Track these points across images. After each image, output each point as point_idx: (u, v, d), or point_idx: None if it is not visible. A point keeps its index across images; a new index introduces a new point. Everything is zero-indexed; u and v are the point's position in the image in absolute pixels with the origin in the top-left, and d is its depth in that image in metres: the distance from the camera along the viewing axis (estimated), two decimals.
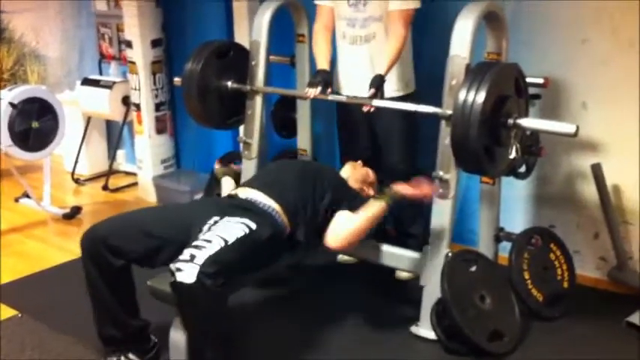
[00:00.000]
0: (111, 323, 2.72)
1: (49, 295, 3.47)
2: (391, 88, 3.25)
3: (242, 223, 2.57)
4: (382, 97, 3.05)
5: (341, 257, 3.62)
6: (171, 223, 2.68)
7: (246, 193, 2.86)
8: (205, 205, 2.93)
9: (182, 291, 2.33)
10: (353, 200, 2.90)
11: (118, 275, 2.63)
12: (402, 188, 2.83)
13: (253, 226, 2.58)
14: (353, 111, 3.37)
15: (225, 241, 2.44)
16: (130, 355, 2.75)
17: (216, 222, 2.57)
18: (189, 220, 2.64)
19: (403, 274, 3.45)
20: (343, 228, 2.78)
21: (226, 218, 2.59)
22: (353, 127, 3.50)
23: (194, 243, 2.41)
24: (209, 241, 2.42)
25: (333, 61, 3.39)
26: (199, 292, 2.30)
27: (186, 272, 2.29)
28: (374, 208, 2.80)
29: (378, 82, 3.03)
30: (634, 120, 3.21)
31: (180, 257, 2.35)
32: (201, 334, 2.49)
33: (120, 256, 2.59)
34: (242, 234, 2.52)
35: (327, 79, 3.19)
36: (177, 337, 2.60)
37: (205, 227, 2.53)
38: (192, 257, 2.33)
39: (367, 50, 3.25)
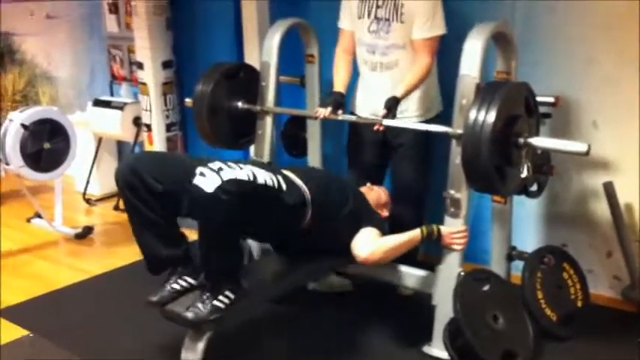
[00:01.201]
0: (162, 243, 2.69)
1: (61, 316, 3.48)
2: (412, 111, 3.26)
3: (275, 178, 2.61)
4: (394, 118, 3.05)
5: (314, 284, 3.54)
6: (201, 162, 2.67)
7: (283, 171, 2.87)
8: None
9: (197, 195, 2.35)
10: (372, 217, 2.93)
11: (160, 199, 2.61)
12: (446, 236, 2.88)
13: (284, 187, 2.63)
14: (365, 132, 3.38)
15: (255, 177, 2.46)
16: (187, 278, 2.70)
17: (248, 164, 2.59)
18: None
19: (407, 291, 3.43)
20: (376, 243, 2.81)
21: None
22: (364, 148, 3.49)
23: (228, 162, 2.45)
24: (241, 168, 2.45)
25: (352, 84, 3.40)
26: (214, 202, 2.33)
27: (208, 179, 2.34)
28: (412, 235, 2.86)
29: (391, 103, 3.02)
30: None
31: (209, 164, 2.39)
32: (209, 240, 2.51)
33: (160, 181, 2.59)
34: (271, 184, 2.55)
35: (339, 100, 3.20)
36: (189, 356, 2.60)
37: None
38: (220, 170, 2.37)
39: (389, 78, 3.22)
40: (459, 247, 2.89)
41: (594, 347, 3.05)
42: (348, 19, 3.32)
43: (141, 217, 2.64)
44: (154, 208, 2.62)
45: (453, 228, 2.89)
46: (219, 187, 2.32)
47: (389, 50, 3.19)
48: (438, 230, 2.88)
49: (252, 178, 2.45)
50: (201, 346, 2.59)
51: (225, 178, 2.35)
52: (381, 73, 3.25)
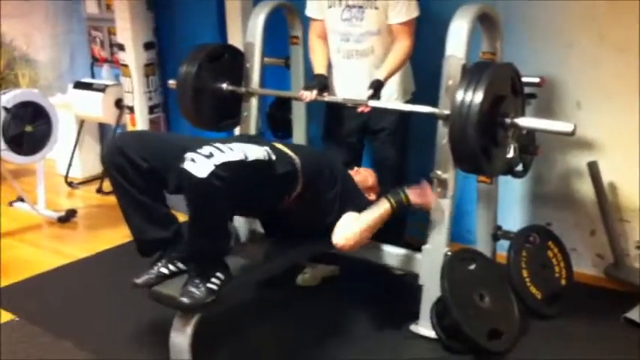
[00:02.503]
0: (152, 224, 2.67)
1: (46, 299, 3.46)
2: (394, 94, 3.27)
3: (265, 150, 2.59)
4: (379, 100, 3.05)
5: (301, 279, 3.51)
6: (192, 141, 2.65)
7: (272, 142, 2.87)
8: (227, 138, 2.95)
9: (189, 182, 2.33)
10: (358, 202, 2.92)
11: (148, 177, 2.60)
12: (412, 194, 2.87)
13: (274, 157, 2.61)
14: (344, 116, 3.38)
15: (246, 157, 2.45)
16: (179, 264, 2.68)
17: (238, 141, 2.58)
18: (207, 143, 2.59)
19: (399, 270, 3.44)
20: (350, 229, 2.80)
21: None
22: (342, 132, 3.47)
23: (216, 144, 2.42)
24: (231, 150, 2.42)
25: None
26: (206, 189, 2.32)
27: (200, 166, 2.30)
28: (380, 209, 2.84)
29: (376, 85, 3.03)
30: (629, 118, 3.24)
31: (199, 150, 2.36)
32: (199, 226, 2.50)
33: (144, 160, 2.58)
34: (262, 157, 2.54)
35: (323, 82, 3.21)
36: (178, 338, 2.60)
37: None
38: (211, 155, 2.35)
39: (365, 64, 3.22)
40: (431, 203, 2.90)
41: (579, 325, 3.09)
42: (317, 9, 3.31)
43: (129, 197, 2.62)
44: (142, 188, 2.61)
45: (417, 189, 2.89)
46: (211, 173, 2.30)
47: (363, 37, 3.19)
48: (406, 195, 2.87)
49: (243, 157, 2.44)
50: (190, 329, 2.59)
51: (217, 163, 2.33)
52: (357, 60, 3.24)
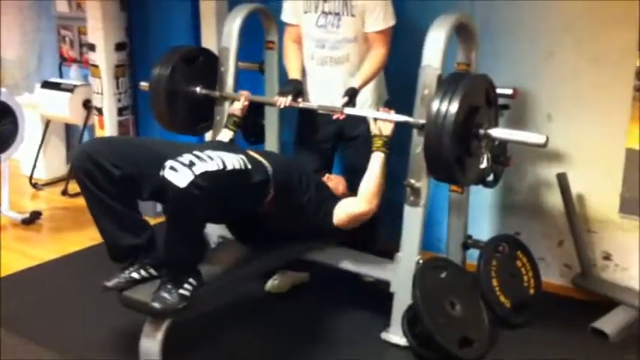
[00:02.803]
0: (123, 231, 2.65)
1: (13, 302, 3.37)
2: (369, 102, 3.27)
3: (240, 158, 2.58)
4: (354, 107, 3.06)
5: (271, 285, 3.50)
6: (163, 146, 2.68)
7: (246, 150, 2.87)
8: (201, 145, 2.96)
9: (169, 190, 2.32)
10: (334, 203, 2.96)
11: (119, 184, 2.57)
12: (382, 126, 2.91)
13: (249, 166, 2.61)
14: (317, 123, 3.36)
15: (224, 165, 2.44)
16: (150, 270, 2.67)
17: (212, 149, 2.55)
18: (182, 149, 2.57)
19: (369, 277, 3.45)
20: (364, 190, 2.89)
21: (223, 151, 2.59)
22: (315, 138, 3.44)
23: (195, 152, 2.41)
24: (210, 158, 2.41)
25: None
26: (186, 198, 2.31)
27: (181, 175, 2.30)
28: (379, 163, 2.90)
29: (351, 93, 3.05)
30: (598, 130, 3.30)
31: (179, 158, 2.35)
32: (177, 233, 2.49)
33: (119, 167, 2.55)
34: (238, 166, 2.53)
35: (298, 88, 3.21)
36: (148, 343, 2.58)
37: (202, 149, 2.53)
38: (192, 164, 2.33)
39: (340, 72, 3.22)
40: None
41: (547, 334, 3.13)
42: (292, 14, 3.30)
43: (100, 204, 2.59)
44: (113, 194, 2.58)
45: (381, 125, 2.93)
46: (191, 182, 2.29)
47: (339, 44, 3.18)
48: (385, 137, 2.91)
49: (221, 167, 2.43)
50: (160, 334, 2.57)
51: (197, 172, 2.31)
52: (332, 67, 3.23)
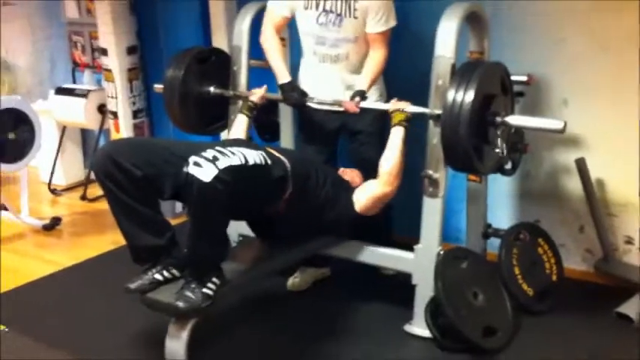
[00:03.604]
0: (145, 231, 2.65)
1: (35, 309, 3.41)
2: (374, 97, 3.27)
3: (261, 154, 2.60)
4: None
5: (292, 284, 3.50)
6: (182, 146, 2.69)
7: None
8: (220, 142, 2.95)
9: (193, 185, 2.33)
10: (353, 190, 2.99)
11: (141, 184, 2.58)
12: (401, 104, 2.92)
13: (269, 161, 2.63)
14: (320, 118, 3.36)
15: (246, 160, 2.47)
16: (173, 270, 2.68)
17: (233, 145, 2.57)
18: (203, 147, 2.58)
19: (389, 270, 3.45)
20: (385, 169, 2.90)
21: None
22: (320, 133, 3.44)
23: (217, 147, 2.43)
24: (233, 153, 2.44)
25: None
26: (210, 192, 2.33)
27: (205, 170, 2.31)
28: (398, 136, 2.91)
29: (360, 94, 3.08)
30: (615, 114, 3.28)
31: (203, 154, 2.37)
32: (200, 230, 2.51)
33: (140, 168, 2.56)
34: (259, 162, 2.56)
35: (299, 88, 3.23)
36: (174, 344, 2.59)
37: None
38: (215, 159, 2.36)
39: (339, 70, 3.23)
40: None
41: (571, 320, 3.12)
42: (287, 5, 3.25)
43: (122, 205, 2.60)
44: (135, 195, 2.59)
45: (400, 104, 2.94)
46: (216, 177, 2.31)
47: (339, 43, 3.18)
48: (400, 111, 2.92)
49: (244, 162, 2.45)
50: (186, 334, 2.58)
51: (221, 167, 2.33)
52: (331, 65, 3.24)
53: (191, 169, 2.33)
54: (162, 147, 2.69)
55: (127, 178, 2.55)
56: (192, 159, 2.35)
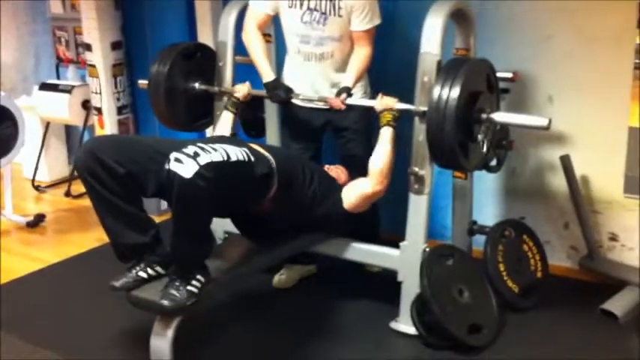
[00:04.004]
0: (129, 229, 2.64)
1: (20, 306, 3.38)
2: (359, 94, 3.27)
3: (244, 150, 2.58)
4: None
5: (277, 281, 3.49)
6: (166, 143, 2.66)
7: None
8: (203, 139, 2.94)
9: (174, 182, 2.31)
10: (341, 188, 3.00)
11: (124, 181, 2.56)
12: (387, 101, 2.90)
13: (252, 158, 2.61)
14: (304, 115, 3.36)
15: (228, 156, 2.45)
16: (157, 267, 2.66)
17: (216, 141, 2.56)
18: (186, 143, 2.56)
19: (375, 268, 3.47)
20: (375, 168, 2.89)
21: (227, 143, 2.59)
22: (304, 129, 3.44)
23: (199, 144, 2.41)
24: (214, 149, 2.42)
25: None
26: (192, 189, 2.31)
27: (186, 166, 2.30)
28: (387, 136, 2.90)
29: (346, 91, 3.08)
30: (600, 111, 3.29)
31: (184, 150, 2.35)
32: (184, 227, 2.49)
33: (123, 165, 2.54)
34: (242, 158, 2.54)
35: (285, 86, 3.23)
36: (159, 342, 2.57)
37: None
38: (196, 155, 2.34)
39: (324, 68, 3.23)
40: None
41: (556, 317, 3.13)
42: (272, 5, 3.23)
43: (105, 203, 2.58)
44: (118, 192, 2.57)
45: (386, 99, 2.92)
46: (196, 173, 2.29)
47: (324, 41, 3.17)
48: (393, 111, 2.90)
49: (225, 158, 2.43)
50: (171, 332, 2.56)
51: (202, 163, 2.32)
52: (316, 63, 3.23)
53: (172, 166, 2.31)
54: (146, 144, 2.67)
55: (110, 176, 2.53)
56: (173, 155, 2.34)
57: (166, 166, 2.33)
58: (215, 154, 2.40)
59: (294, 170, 2.88)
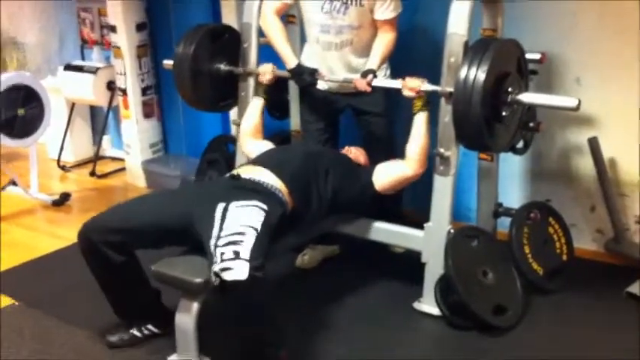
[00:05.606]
0: (124, 304, 2.79)
1: (44, 283, 3.43)
2: (380, 76, 3.26)
3: (255, 206, 2.55)
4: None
5: (301, 261, 3.51)
6: (171, 211, 2.65)
7: (250, 172, 2.82)
8: (206, 190, 2.91)
9: (237, 287, 2.27)
10: (360, 173, 3.02)
11: (121, 269, 2.66)
12: (414, 81, 2.89)
13: (265, 207, 2.57)
14: (323, 97, 3.40)
15: (256, 230, 2.42)
16: (149, 326, 2.79)
17: (225, 209, 2.51)
18: (191, 207, 2.61)
19: (399, 248, 3.46)
20: (416, 151, 2.91)
21: (234, 203, 2.54)
22: (323, 112, 3.47)
23: (229, 239, 2.36)
24: (242, 233, 2.38)
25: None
26: (253, 282, 2.27)
27: (237, 270, 2.25)
28: (423, 121, 2.91)
29: (372, 72, 3.10)
30: (628, 93, 3.25)
31: (224, 257, 2.29)
32: (261, 323, 2.51)
33: (121, 251, 2.62)
34: (262, 218, 2.51)
35: (309, 69, 3.23)
36: (184, 320, 2.59)
37: (217, 215, 2.48)
38: (237, 254, 2.29)
39: (342, 55, 3.25)
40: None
41: (580, 299, 3.11)
42: None
43: (104, 280, 2.74)
44: (117, 273, 2.68)
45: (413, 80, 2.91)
46: (251, 269, 2.25)
47: (343, 29, 3.19)
48: (423, 96, 2.90)
49: (254, 233, 2.40)
50: (195, 308, 2.58)
51: (248, 257, 2.28)
52: (335, 51, 3.25)
53: (226, 277, 2.25)
54: (148, 224, 2.64)
55: (105, 259, 2.63)
56: (217, 267, 2.27)
57: (215, 279, 2.30)
58: (246, 238, 2.36)
59: (307, 185, 2.84)
